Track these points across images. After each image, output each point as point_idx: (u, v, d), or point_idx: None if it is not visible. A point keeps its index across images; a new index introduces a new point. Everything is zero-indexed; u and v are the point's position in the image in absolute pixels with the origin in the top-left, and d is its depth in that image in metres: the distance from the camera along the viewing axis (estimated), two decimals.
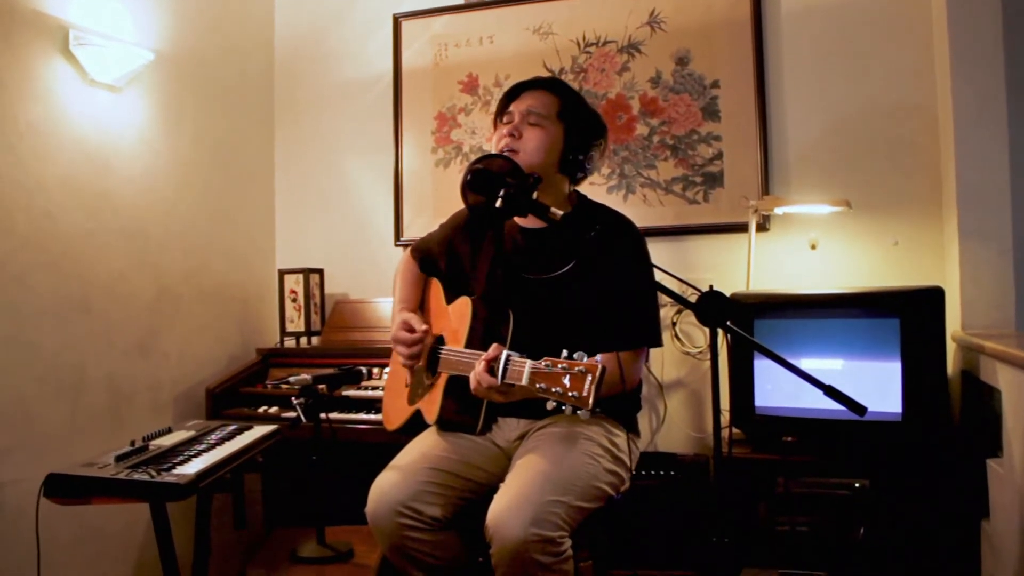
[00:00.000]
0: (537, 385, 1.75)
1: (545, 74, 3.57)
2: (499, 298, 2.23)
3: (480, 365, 1.92)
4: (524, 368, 1.79)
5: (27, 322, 2.63)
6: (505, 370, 1.86)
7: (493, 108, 2.33)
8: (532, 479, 1.94)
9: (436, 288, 2.49)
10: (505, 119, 2.26)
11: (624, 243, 2.23)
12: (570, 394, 1.68)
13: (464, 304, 2.28)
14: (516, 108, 2.24)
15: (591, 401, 1.65)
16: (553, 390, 1.71)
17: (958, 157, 2.84)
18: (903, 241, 3.14)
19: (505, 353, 1.87)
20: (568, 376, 1.70)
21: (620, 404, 2.24)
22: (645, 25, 3.48)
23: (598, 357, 1.70)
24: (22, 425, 2.60)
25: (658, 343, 2.27)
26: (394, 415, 2.45)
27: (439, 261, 2.47)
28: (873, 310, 2.71)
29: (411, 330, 2.30)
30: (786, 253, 3.27)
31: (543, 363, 1.76)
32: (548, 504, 1.87)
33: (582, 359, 1.70)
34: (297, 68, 4.03)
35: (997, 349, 2.32)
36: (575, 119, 2.26)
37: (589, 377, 1.67)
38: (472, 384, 1.96)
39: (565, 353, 1.74)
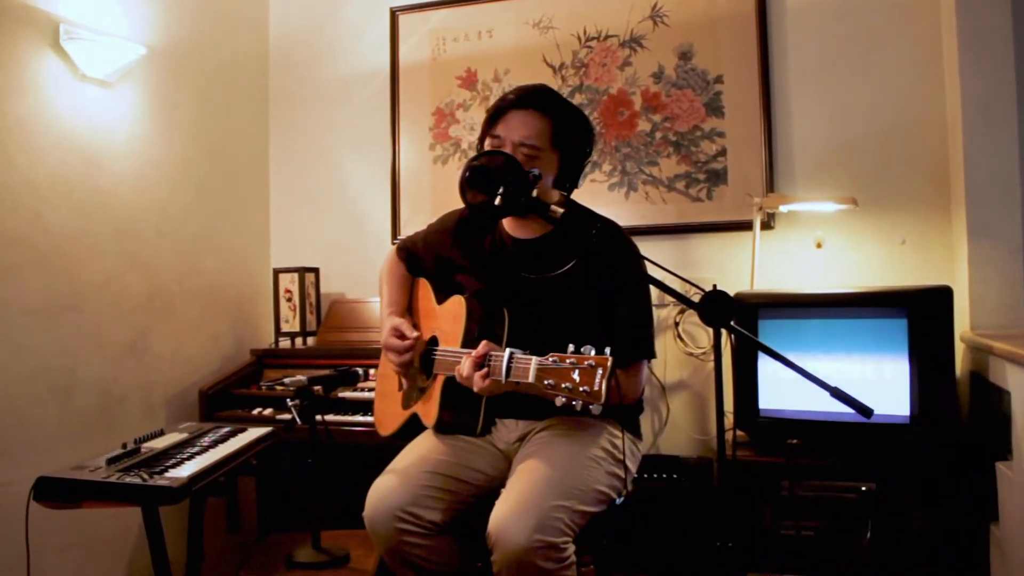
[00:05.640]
0: (545, 382, 1.70)
1: (545, 70, 3.53)
2: (494, 297, 2.18)
3: (467, 363, 1.89)
4: (530, 365, 1.75)
5: (16, 322, 2.58)
6: (509, 368, 1.81)
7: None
8: (534, 484, 1.91)
9: (424, 288, 2.44)
10: (495, 143, 2.11)
11: (617, 251, 2.16)
12: (581, 389, 1.65)
13: (458, 303, 2.22)
14: (507, 135, 2.07)
15: (603, 394, 1.62)
16: (563, 386, 1.67)
17: (967, 153, 2.82)
18: (911, 239, 3.11)
19: (508, 351, 1.83)
20: (577, 371, 1.66)
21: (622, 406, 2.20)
22: (647, 19, 3.43)
23: (607, 351, 1.66)
24: (11, 427, 2.56)
25: (652, 356, 2.19)
26: (388, 420, 2.40)
27: (427, 261, 2.42)
28: (880, 310, 2.68)
29: (402, 336, 2.25)
30: (791, 252, 3.23)
31: (550, 359, 1.71)
32: (551, 509, 1.84)
33: (590, 353, 1.67)
34: (292, 63, 3.98)
35: (1007, 350, 2.30)
36: (569, 143, 2.12)
37: (600, 370, 1.64)
38: (458, 377, 1.93)
39: (572, 348, 1.70)
